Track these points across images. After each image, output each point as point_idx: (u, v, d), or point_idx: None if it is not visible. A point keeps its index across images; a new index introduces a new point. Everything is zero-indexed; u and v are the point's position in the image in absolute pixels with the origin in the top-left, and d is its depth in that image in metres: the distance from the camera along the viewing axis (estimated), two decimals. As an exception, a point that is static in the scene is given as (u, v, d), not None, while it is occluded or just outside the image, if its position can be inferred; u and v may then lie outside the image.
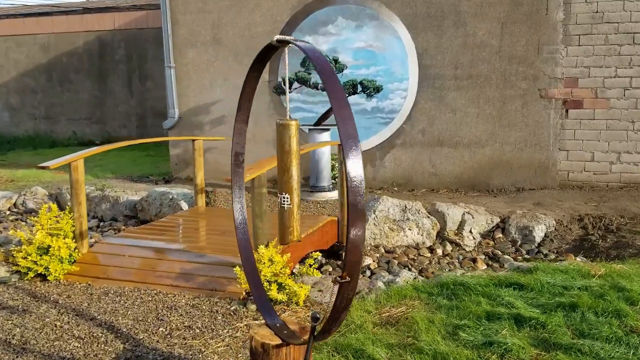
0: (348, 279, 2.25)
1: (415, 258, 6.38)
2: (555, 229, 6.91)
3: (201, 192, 7.25)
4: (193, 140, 7.16)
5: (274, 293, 4.20)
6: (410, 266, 6.11)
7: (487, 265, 6.22)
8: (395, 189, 9.06)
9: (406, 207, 6.78)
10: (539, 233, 6.79)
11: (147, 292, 4.52)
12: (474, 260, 6.33)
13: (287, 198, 2.81)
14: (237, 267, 4.40)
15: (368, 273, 5.90)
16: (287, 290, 4.28)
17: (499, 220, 7.11)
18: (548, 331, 3.45)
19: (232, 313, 4.15)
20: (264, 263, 4.38)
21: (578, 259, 6.02)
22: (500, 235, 6.96)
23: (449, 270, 5.97)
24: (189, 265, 4.96)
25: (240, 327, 3.88)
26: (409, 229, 6.70)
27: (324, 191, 8.48)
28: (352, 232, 2.18)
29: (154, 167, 11.50)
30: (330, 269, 6.13)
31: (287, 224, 2.85)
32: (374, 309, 4.12)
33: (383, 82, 8.61)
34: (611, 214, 7.03)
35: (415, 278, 4.92)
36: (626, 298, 3.84)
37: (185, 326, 3.89)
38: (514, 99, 8.32)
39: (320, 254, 6.39)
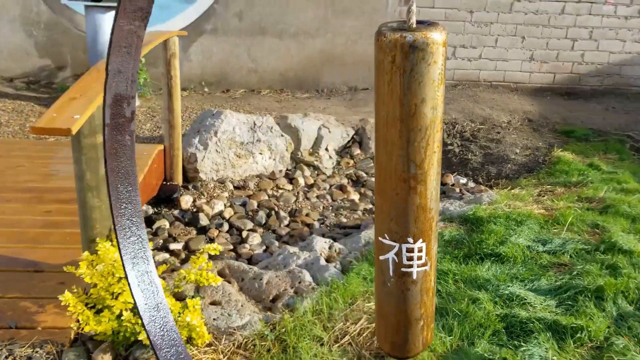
0: None
1: (277, 194, 4.84)
2: (414, 139, 6.00)
3: None
4: None
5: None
6: (277, 208, 4.57)
7: (360, 194, 5.04)
8: (206, 89, 7.09)
9: (255, 124, 5.05)
10: (400, 146, 5.81)
11: None
12: (341, 188, 5.08)
13: (422, 250, 1.06)
14: (68, 293, 2.34)
15: (232, 235, 4.23)
16: (174, 316, 2.42)
17: (353, 132, 5.91)
18: (612, 350, 2.41)
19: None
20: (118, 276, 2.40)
21: (460, 179, 5.22)
22: (359, 152, 5.79)
23: (333, 211, 4.62)
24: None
25: None
26: (260, 153, 5.05)
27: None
28: None
29: None
30: (167, 224, 4.24)
31: (416, 312, 1.11)
32: (322, 330, 2.58)
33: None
34: (461, 119, 6.40)
35: (330, 247, 3.44)
36: (614, 259, 3.00)
37: None
38: (350, -22, 6.87)
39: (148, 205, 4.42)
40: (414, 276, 1.11)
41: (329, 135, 5.57)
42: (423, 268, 1.11)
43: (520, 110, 6.71)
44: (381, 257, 1.13)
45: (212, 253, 2.59)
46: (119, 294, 2.36)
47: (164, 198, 4.56)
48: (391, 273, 1.12)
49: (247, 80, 7.17)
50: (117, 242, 1.44)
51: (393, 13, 7.04)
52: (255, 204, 4.61)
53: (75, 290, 2.39)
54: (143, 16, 1.31)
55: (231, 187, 4.82)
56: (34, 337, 2.42)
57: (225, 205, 4.52)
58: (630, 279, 2.85)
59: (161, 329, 1.45)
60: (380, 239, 1.12)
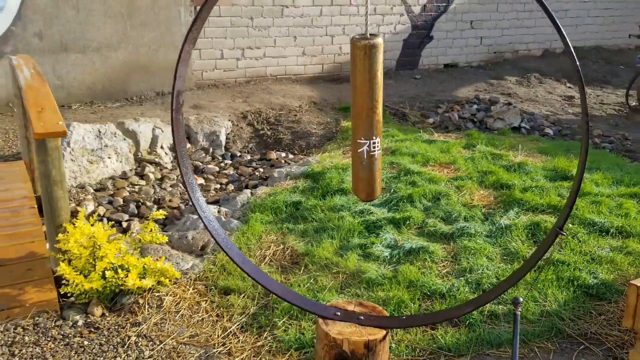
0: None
1: (136, 190, 5.47)
2: (231, 130, 7.07)
3: None
4: None
5: (138, 281, 3.05)
6: (142, 200, 5.23)
7: (205, 179, 5.94)
8: (15, 110, 7.09)
9: (100, 131, 5.57)
10: (223, 137, 6.82)
11: None
12: (186, 177, 5.92)
13: (378, 142, 2.19)
14: (62, 264, 2.93)
15: (114, 227, 4.79)
16: (140, 270, 3.16)
17: (180, 129, 6.70)
18: (428, 227, 3.87)
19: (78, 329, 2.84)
20: (102, 246, 3.06)
21: (281, 154, 6.46)
22: (189, 146, 6.64)
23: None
24: None
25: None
26: (109, 157, 5.60)
27: None
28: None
29: None
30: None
31: (377, 175, 2.24)
32: (258, 247, 3.58)
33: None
34: (264, 108, 7.65)
35: (219, 211, 4.36)
36: (412, 179, 4.59)
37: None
38: (143, -6, 7.55)
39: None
40: (376, 156, 2.24)
41: (163, 135, 6.31)
42: (379, 151, 2.25)
43: (305, 96, 8.23)
44: (358, 150, 2.22)
45: (159, 217, 3.36)
46: (102, 257, 3.02)
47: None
48: (365, 157, 2.22)
49: (56, 96, 7.29)
50: (183, 180, 2.28)
51: (186, 23, 7.93)
52: (121, 200, 5.20)
53: (64, 263, 2.97)
54: (194, 41, 2.20)
55: (92, 191, 5.30)
56: (27, 311, 2.93)
57: (95, 205, 5.03)
58: (425, 187, 4.42)
59: (213, 228, 2.35)
60: (358, 140, 2.21)
